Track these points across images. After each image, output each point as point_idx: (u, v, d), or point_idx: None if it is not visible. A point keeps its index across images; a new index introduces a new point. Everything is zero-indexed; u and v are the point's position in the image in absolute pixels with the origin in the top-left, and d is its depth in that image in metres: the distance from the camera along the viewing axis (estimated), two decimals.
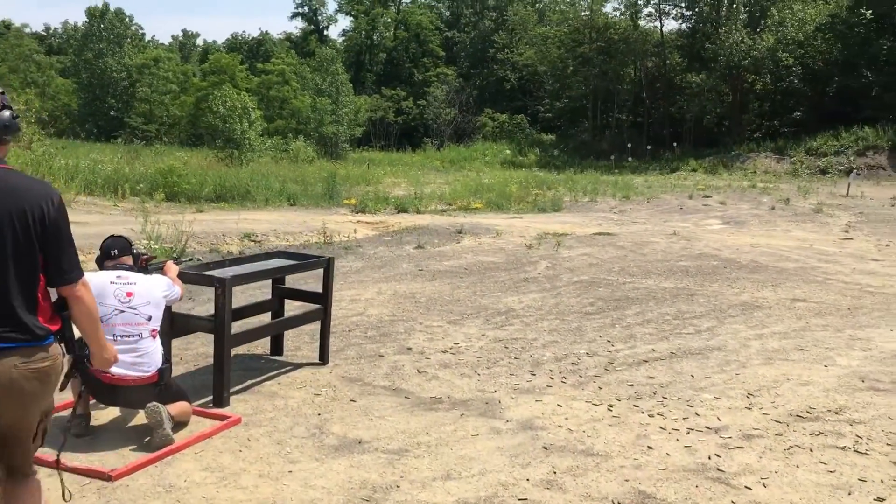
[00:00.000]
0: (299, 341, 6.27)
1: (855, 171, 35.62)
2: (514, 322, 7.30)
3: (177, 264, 4.85)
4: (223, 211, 15.79)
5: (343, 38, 68.54)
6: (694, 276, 9.95)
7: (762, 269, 10.70)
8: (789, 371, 5.95)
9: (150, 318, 4.26)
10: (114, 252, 4.39)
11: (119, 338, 4.14)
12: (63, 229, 2.76)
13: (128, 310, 4.20)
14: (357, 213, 17.07)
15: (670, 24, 67.76)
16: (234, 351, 5.83)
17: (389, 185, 27.19)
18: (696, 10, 47.90)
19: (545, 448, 4.40)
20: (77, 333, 4.12)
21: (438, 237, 12.95)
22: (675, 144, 46.46)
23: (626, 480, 4.00)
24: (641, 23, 50.49)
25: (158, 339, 4.32)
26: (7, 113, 2.77)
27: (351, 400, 5.08)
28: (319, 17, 70.14)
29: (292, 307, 6.14)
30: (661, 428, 4.75)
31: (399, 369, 5.76)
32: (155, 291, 4.33)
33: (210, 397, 4.89)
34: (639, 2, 49.25)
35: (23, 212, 2.66)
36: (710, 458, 4.32)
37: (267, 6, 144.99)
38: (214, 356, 4.78)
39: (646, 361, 6.13)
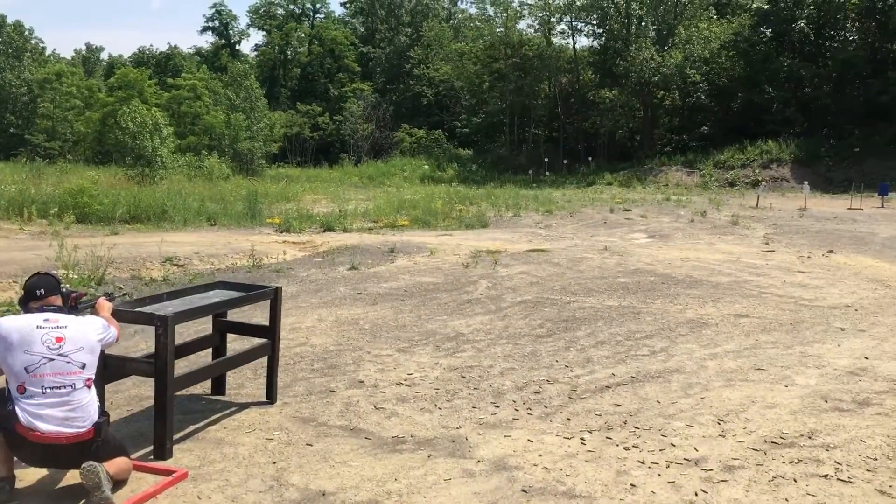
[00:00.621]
0: (241, 377, 5.81)
1: (763, 183, 36.80)
2: (465, 348, 6.99)
3: (109, 300, 4.36)
4: (140, 233, 15.00)
5: (256, 52, 67.44)
6: (635, 294, 9.85)
7: (698, 284, 10.70)
8: (752, 393, 5.82)
9: (83, 366, 3.77)
10: (40, 292, 3.89)
11: (49, 390, 3.64)
12: None
13: (58, 357, 3.70)
14: (281, 232, 16.50)
15: (582, 41, 68.94)
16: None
17: (310, 203, 26.66)
18: (607, 27, 48.94)
19: (524, 491, 4.10)
20: (6, 388, 3.64)
21: (371, 257, 12.56)
22: (590, 158, 47.27)
23: None
24: (555, 40, 51.38)
25: (94, 389, 3.83)
26: None
27: (307, 444, 4.67)
28: (231, 32, 68.90)
29: (234, 341, 5.68)
30: (639, 462, 4.51)
31: (354, 406, 5.37)
32: (89, 335, 3.85)
33: (149, 448, 4.41)
34: (551, 19, 49.99)
35: None
36: (696, 494, 4.10)
37: (175, 20, 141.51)
38: (155, 402, 4.30)
39: (608, 387, 5.90)
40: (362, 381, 5.92)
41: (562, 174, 46.07)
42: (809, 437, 4.96)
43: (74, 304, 4.06)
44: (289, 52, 63.79)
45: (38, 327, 3.73)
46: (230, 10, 67.42)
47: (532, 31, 50.96)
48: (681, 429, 5.07)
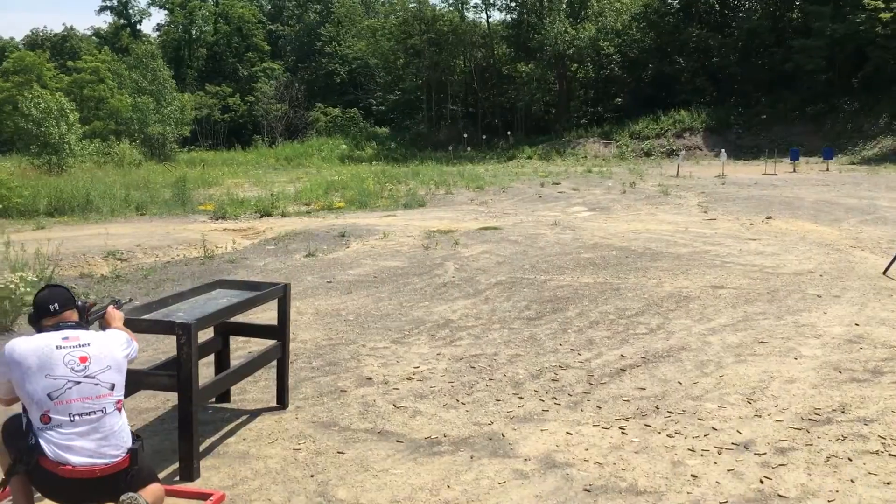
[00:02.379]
0: (241, 382, 5.39)
1: (682, 152, 37.57)
2: (461, 336, 6.72)
3: (117, 308, 3.90)
4: (67, 226, 14.09)
5: (158, 32, 64.74)
6: (605, 269, 9.76)
7: (661, 257, 10.70)
8: (766, 368, 5.76)
9: (112, 387, 3.33)
10: (54, 307, 3.41)
11: (77, 417, 3.19)
12: None
13: (85, 380, 3.25)
14: (217, 219, 15.81)
15: (496, 16, 68.94)
16: (174, 401, 4.91)
17: (232, 187, 25.75)
18: (520, 1, 48.90)
19: (587, 490, 3.88)
20: (25, 419, 3.19)
21: (324, 242, 12.10)
22: (508, 133, 47.37)
23: None
24: (468, 14, 51.05)
25: (124, 412, 3.40)
26: None
27: (338, 452, 4.33)
28: (131, 11, 65.90)
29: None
30: (689, 450, 4.35)
31: (372, 406, 5.04)
32: (114, 351, 3.40)
33: (171, 468, 3.99)
34: None
35: None
36: (761, 481, 3.96)
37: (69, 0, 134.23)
38: (180, 419, 3.89)
39: (623, 370, 5.74)
40: (370, 378, 5.58)
41: (481, 149, 46.04)
42: (843, 412, 4.90)
43: (88, 317, 3.60)
44: (194, 32, 61.45)
45: (57, 347, 3.27)
46: None
47: (446, 6, 50.51)
48: (714, 411, 4.94)
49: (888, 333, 6.66)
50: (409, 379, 5.57)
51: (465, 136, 45.88)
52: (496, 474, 4.07)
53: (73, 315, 3.44)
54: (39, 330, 3.40)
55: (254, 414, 4.88)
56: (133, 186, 19.34)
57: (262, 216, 16.40)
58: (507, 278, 9.18)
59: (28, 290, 6.64)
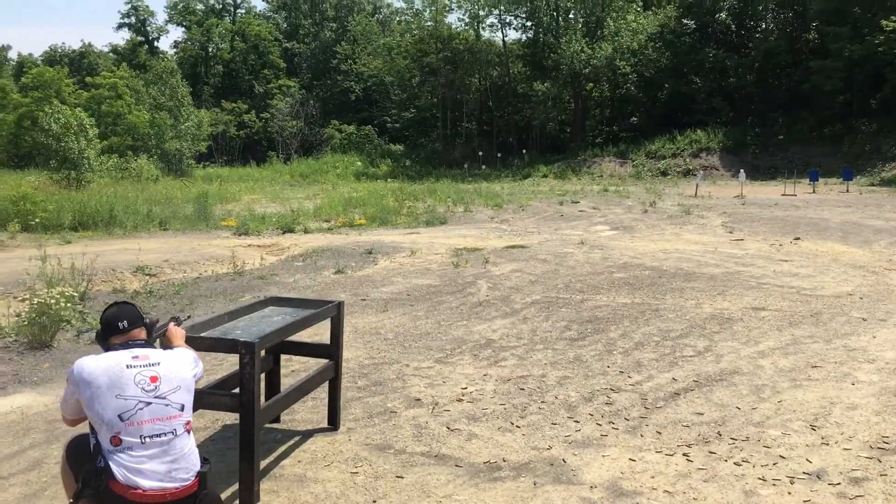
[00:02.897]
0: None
1: (701, 172, 37.44)
2: (505, 356, 6.59)
3: (177, 325, 3.79)
4: (92, 241, 14.04)
5: (175, 49, 65.12)
6: (640, 289, 9.62)
7: (694, 277, 10.55)
8: (825, 393, 5.60)
9: (182, 408, 3.21)
10: (122, 324, 3.30)
11: (148, 439, 3.08)
12: None
13: (155, 400, 3.14)
14: (240, 235, 15.75)
15: (512, 35, 69.10)
16: (224, 420, 4.81)
17: (250, 203, 25.78)
18: (536, 20, 48.99)
19: None
20: (93, 440, 3.08)
21: (351, 259, 12.01)
22: (523, 151, 47.32)
23: None
24: (484, 33, 51.18)
25: (192, 434, 3.28)
26: None
27: (397, 476, 4.20)
28: (148, 28, 66.28)
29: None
30: (760, 480, 4.20)
31: (425, 428, 4.91)
32: (184, 371, 3.30)
33: (229, 491, 3.87)
34: (480, 13, 49.75)
35: None
36: None
37: (88, 16, 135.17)
38: (241, 440, 3.76)
39: (677, 394, 5.59)
40: (419, 399, 5.46)
41: (496, 167, 46.00)
42: None
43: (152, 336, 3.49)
44: (210, 49, 61.81)
45: (128, 366, 3.16)
46: (147, 6, 64.82)
47: (462, 24, 50.62)
48: (779, 438, 4.79)
49: None
50: (459, 400, 5.44)
51: (481, 153, 45.86)
52: (563, 502, 3.93)
53: (141, 333, 3.34)
54: (107, 348, 3.30)
55: (305, 435, 4.76)
56: (154, 202, 19.30)
57: (284, 232, 16.33)
58: (542, 297, 9.05)
59: (67, 305, 6.54)
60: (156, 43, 67.41)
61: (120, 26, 66.81)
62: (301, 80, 60.58)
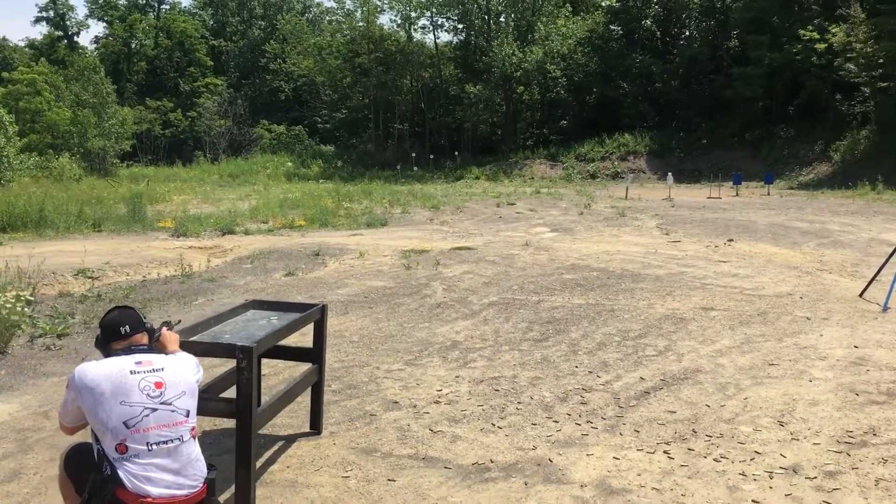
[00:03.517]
0: None
1: (631, 175, 38.24)
2: (474, 357, 6.63)
3: (168, 329, 3.70)
4: (23, 242, 13.51)
5: (96, 45, 63.11)
6: (592, 290, 9.79)
7: (642, 279, 10.79)
8: (785, 390, 5.82)
9: (188, 414, 3.15)
10: (124, 329, 3.22)
11: (154, 446, 3.01)
12: None
13: (161, 407, 3.07)
14: (178, 237, 15.39)
15: (444, 37, 69.35)
16: (208, 426, 4.72)
17: (181, 204, 25.20)
18: (468, 22, 49.30)
19: None
20: (97, 448, 2.99)
21: (300, 262, 11.87)
22: (455, 153, 47.54)
23: None
24: (416, 35, 51.22)
25: (197, 441, 3.22)
26: None
27: (389, 479, 4.20)
28: (68, 23, 64.01)
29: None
30: (741, 475, 4.34)
31: (408, 431, 4.91)
32: (187, 376, 3.23)
33: (223, 498, 3.80)
34: (412, 14, 49.79)
35: None
36: None
37: (3, 8, 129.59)
38: (238, 446, 3.70)
39: (647, 393, 5.73)
40: (396, 402, 5.45)
41: (429, 169, 46.08)
42: (874, 434, 4.97)
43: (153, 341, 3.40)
44: (133, 45, 60.11)
45: (132, 372, 3.08)
46: (67, 0, 62.64)
47: (394, 25, 50.57)
48: (751, 434, 4.95)
49: (888, 355, 6.81)
50: (437, 402, 5.45)
51: (413, 155, 45.88)
52: (557, 501, 4.00)
53: (143, 338, 3.26)
54: (107, 354, 3.21)
55: (289, 440, 4.70)
56: (85, 202, 18.67)
57: (224, 234, 16.03)
58: (498, 299, 9.13)
59: (20, 309, 6.30)
60: (76, 38, 65.22)
61: (37, 20, 64.43)
62: (229, 78, 59.49)
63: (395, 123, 50.34)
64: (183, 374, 3.21)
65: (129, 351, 3.18)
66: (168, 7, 65.01)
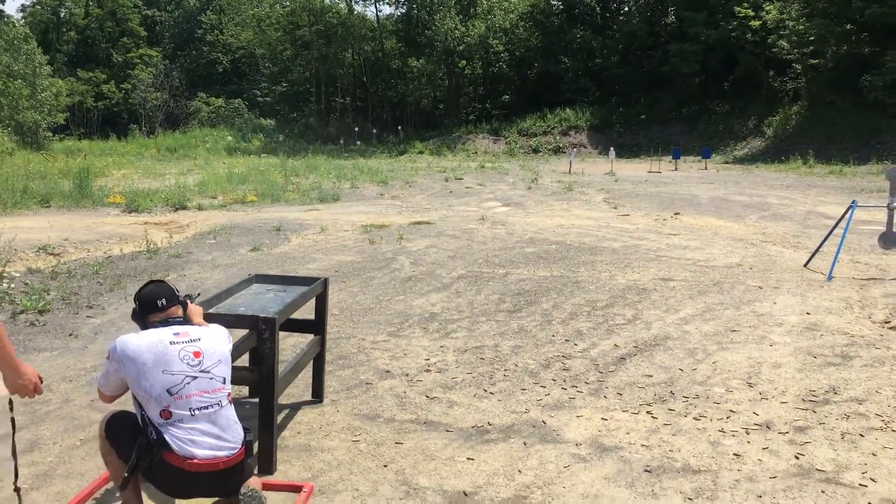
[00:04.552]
0: None
1: (574, 150, 38.78)
2: (454, 328, 6.87)
3: (191, 303, 3.83)
4: None
5: (23, 13, 60.85)
6: (554, 263, 10.10)
7: (599, 251, 11.15)
8: (749, 354, 6.21)
9: (224, 381, 3.32)
10: (161, 302, 3.35)
11: (197, 412, 3.17)
12: None
13: (201, 374, 3.23)
14: (130, 212, 15.21)
15: (385, 10, 68.74)
16: None
17: (121, 179, 24.75)
18: None
19: (648, 471, 4.14)
20: (140, 414, 3.12)
21: (263, 237, 11.91)
22: (399, 128, 47.53)
23: (760, 497, 3.87)
24: (357, 7, 50.79)
25: (233, 405, 3.39)
26: None
27: (397, 443, 4.42)
28: None
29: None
30: (720, 431, 4.68)
31: (405, 397, 5.13)
32: (222, 345, 3.39)
33: None
34: None
35: None
36: (797, 458, 4.33)
37: None
38: (260, 413, 3.88)
39: (622, 359, 6.05)
40: (389, 371, 5.66)
41: (372, 143, 46.00)
42: (835, 393, 5.37)
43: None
44: (63, 14, 58.22)
45: (171, 343, 3.22)
46: None
47: None
48: (724, 394, 5.31)
49: (837, 321, 7.28)
50: (427, 371, 5.68)
51: (356, 129, 45.70)
52: (557, 459, 4.27)
53: (178, 310, 3.40)
54: (145, 326, 3.34)
55: (293, 408, 4.88)
56: (29, 177, 18.24)
57: (176, 209, 15.89)
58: (466, 272, 9.37)
59: (4, 286, 6.28)
60: (1, 6, 62.65)
61: None
62: (164, 49, 58.11)
63: (337, 97, 49.99)
64: (218, 343, 3.37)
65: (166, 323, 3.32)
66: None
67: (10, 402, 3.15)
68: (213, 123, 49.11)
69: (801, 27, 36.04)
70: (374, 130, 46.63)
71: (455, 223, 13.90)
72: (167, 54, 57.42)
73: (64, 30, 58.38)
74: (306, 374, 5.24)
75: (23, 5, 64.34)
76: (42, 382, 3.05)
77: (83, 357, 5.92)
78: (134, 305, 3.40)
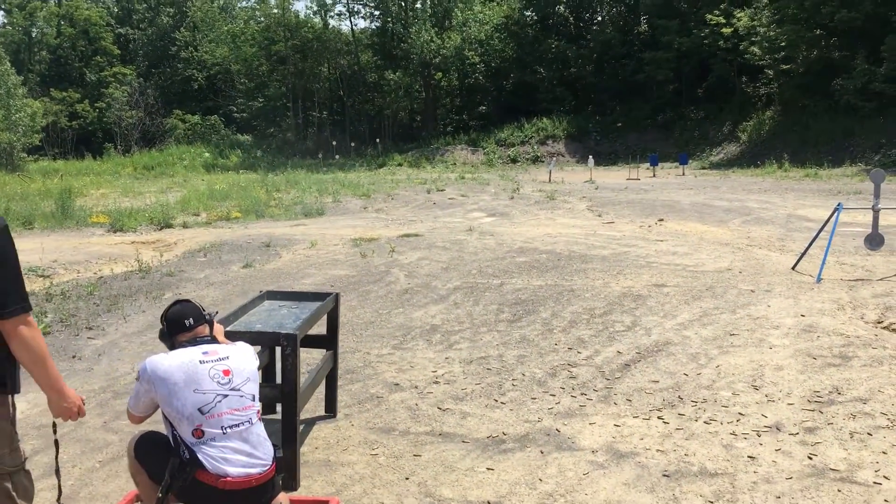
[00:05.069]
0: None
1: (554, 159, 39.01)
2: (457, 340, 6.90)
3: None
4: None
5: None
6: (547, 272, 10.17)
7: (590, 259, 11.24)
8: (751, 357, 6.30)
9: (253, 398, 3.33)
10: (188, 322, 3.36)
11: (228, 430, 3.18)
12: None
13: (231, 393, 3.24)
14: (115, 232, 15.11)
15: (360, 23, 68.88)
16: None
17: (100, 198, 24.56)
18: (384, 8, 49.23)
19: (667, 476, 4.19)
20: (171, 434, 3.13)
21: (253, 253, 11.88)
22: (377, 141, 47.55)
23: (779, 498, 3.93)
24: (332, 21, 50.83)
25: (262, 422, 3.40)
26: None
27: (415, 455, 4.44)
28: None
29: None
30: (732, 434, 4.75)
31: (417, 410, 5.16)
32: (250, 363, 3.40)
33: None
34: (328, 1, 49.37)
35: None
36: (810, 458, 4.40)
37: None
38: (284, 429, 3.88)
39: (627, 365, 6.12)
40: (398, 384, 5.68)
41: (350, 157, 45.97)
42: (839, 393, 5.46)
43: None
44: (34, 33, 57.74)
45: (201, 362, 3.23)
46: None
47: (310, 13, 50.05)
48: (731, 398, 5.38)
49: (832, 322, 7.40)
50: (436, 383, 5.70)
51: (334, 143, 45.66)
52: (575, 466, 4.31)
53: (205, 329, 3.41)
54: (173, 346, 3.35)
55: (308, 423, 4.89)
56: (9, 198, 18.07)
57: (161, 228, 15.80)
58: (462, 283, 9.41)
59: None
60: None
61: None
62: (138, 67, 57.77)
63: (314, 112, 49.96)
64: (246, 361, 3.38)
65: (194, 342, 3.32)
66: None
67: (54, 425, 3.15)
68: (189, 140, 48.86)
69: (771, 33, 36.57)
70: (353, 144, 46.62)
71: (444, 235, 13.95)
72: (141, 72, 57.10)
73: (36, 49, 57.93)
74: (317, 389, 5.25)
75: None
76: (84, 404, 3.06)
77: (90, 379, 5.89)
78: (161, 326, 3.40)
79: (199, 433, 3.15)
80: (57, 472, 3.19)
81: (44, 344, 2.75)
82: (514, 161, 44.50)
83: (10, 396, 2.81)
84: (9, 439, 2.79)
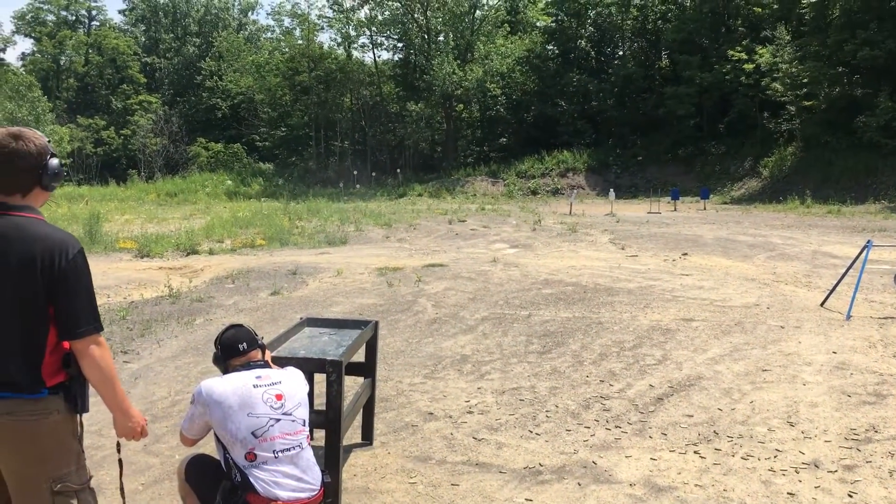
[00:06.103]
0: None
1: (574, 192, 39.09)
2: (488, 370, 6.92)
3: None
4: None
5: (23, 62, 61.44)
6: (574, 304, 10.18)
7: (616, 292, 11.24)
8: (784, 394, 6.27)
9: (304, 423, 3.38)
10: (242, 346, 3.42)
11: (280, 454, 3.23)
12: (72, 281, 2.69)
13: (283, 417, 3.29)
14: (142, 258, 15.28)
15: (384, 55, 69.65)
16: None
17: (125, 224, 24.88)
18: (407, 41, 49.80)
19: None
20: (223, 457, 3.17)
21: (281, 281, 11.98)
22: (398, 171, 47.85)
23: None
24: (355, 53, 51.45)
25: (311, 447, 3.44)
26: (55, 161, 2.82)
27: (453, 484, 4.46)
28: None
29: None
30: (770, 471, 4.73)
31: (453, 439, 5.17)
32: (301, 388, 3.45)
33: None
34: (352, 33, 50.05)
35: (31, 259, 2.62)
36: (850, 496, 4.38)
37: None
38: (327, 455, 3.92)
39: (660, 399, 6.11)
40: (432, 413, 5.70)
41: (371, 187, 46.25)
42: (875, 431, 5.43)
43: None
44: (63, 62, 58.81)
45: (255, 386, 3.29)
46: None
47: (334, 44, 50.73)
48: (767, 434, 5.36)
49: (864, 360, 7.36)
50: (470, 413, 5.72)
51: (355, 173, 45.98)
52: (614, 499, 4.31)
53: (258, 354, 3.47)
54: (226, 370, 3.41)
55: (346, 450, 4.91)
56: None
57: (188, 254, 15.96)
58: (489, 314, 9.44)
59: None
60: (2, 54, 63.44)
61: None
62: (163, 96, 58.62)
63: (335, 141, 50.38)
64: (297, 387, 3.43)
65: (247, 367, 3.38)
66: (98, 24, 63.75)
67: (118, 445, 3.21)
68: (212, 168, 49.39)
69: (794, 70, 36.63)
70: (374, 174, 46.92)
71: (468, 265, 13.99)
72: (166, 100, 57.92)
73: (64, 77, 58.94)
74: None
75: (23, 53, 65.09)
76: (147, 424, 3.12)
77: None
78: (215, 350, 3.46)
79: (251, 456, 3.20)
80: (122, 491, 3.25)
81: (113, 365, 2.82)
82: (534, 193, 44.60)
83: (78, 416, 2.87)
84: (76, 457, 2.85)
